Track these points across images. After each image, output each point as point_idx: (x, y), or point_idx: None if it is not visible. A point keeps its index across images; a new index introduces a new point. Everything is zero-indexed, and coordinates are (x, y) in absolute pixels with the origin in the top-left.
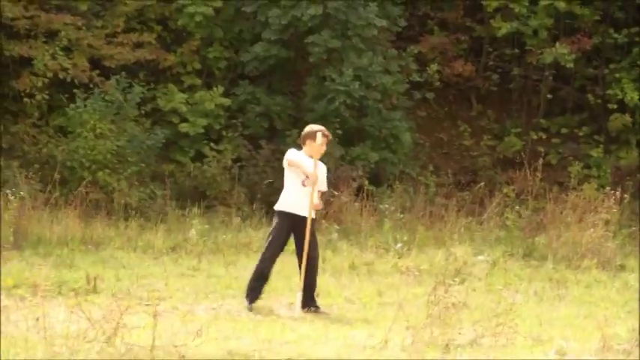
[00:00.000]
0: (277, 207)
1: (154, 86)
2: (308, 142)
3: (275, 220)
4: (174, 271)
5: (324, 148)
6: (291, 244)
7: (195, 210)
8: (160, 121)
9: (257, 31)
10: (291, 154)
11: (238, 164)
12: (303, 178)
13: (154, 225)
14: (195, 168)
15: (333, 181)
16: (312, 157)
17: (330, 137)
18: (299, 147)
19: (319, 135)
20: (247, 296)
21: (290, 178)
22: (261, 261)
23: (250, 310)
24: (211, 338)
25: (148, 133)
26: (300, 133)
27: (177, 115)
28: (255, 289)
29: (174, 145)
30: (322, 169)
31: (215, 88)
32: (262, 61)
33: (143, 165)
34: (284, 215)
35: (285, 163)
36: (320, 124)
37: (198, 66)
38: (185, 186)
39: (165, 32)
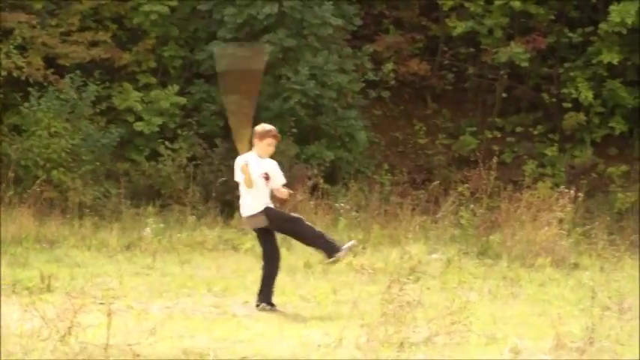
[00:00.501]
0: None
1: (109, 85)
2: (256, 141)
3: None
4: (129, 269)
5: (272, 149)
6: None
7: (150, 208)
8: (114, 119)
9: (212, 30)
10: (238, 164)
11: (193, 163)
12: (262, 179)
13: (109, 223)
14: (150, 167)
15: (288, 180)
16: (261, 156)
17: (279, 137)
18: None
19: (268, 136)
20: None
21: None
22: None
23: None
24: (166, 337)
25: (102, 132)
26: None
27: (133, 113)
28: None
29: (129, 144)
30: (272, 166)
31: (170, 87)
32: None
33: (98, 163)
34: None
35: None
36: (275, 123)
37: (153, 64)
38: (140, 184)
39: (121, 31)
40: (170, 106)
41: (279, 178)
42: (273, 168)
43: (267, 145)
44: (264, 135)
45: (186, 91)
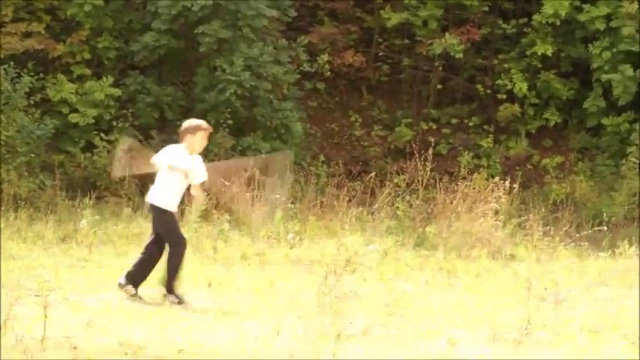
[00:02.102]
0: (168, 207)
1: (43, 76)
2: (188, 136)
3: (169, 218)
4: (65, 261)
5: (205, 143)
6: None
7: (86, 201)
8: (49, 111)
9: (147, 21)
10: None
11: (129, 155)
12: (182, 181)
13: (44, 216)
14: (85, 158)
15: (224, 172)
16: (192, 152)
17: (211, 130)
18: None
19: (200, 130)
20: (172, 291)
21: (170, 177)
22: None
23: (181, 303)
24: (103, 329)
25: (37, 124)
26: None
27: (67, 105)
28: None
29: (64, 136)
30: (197, 161)
31: (105, 78)
32: (152, 51)
33: (32, 155)
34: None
35: (162, 165)
36: (211, 115)
37: (87, 56)
38: (75, 176)
39: (55, 22)
40: (105, 97)
41: (201, 174)
42: (198, 163)
43: (201, 139)
44: (196, 129)
45: (121, 82)
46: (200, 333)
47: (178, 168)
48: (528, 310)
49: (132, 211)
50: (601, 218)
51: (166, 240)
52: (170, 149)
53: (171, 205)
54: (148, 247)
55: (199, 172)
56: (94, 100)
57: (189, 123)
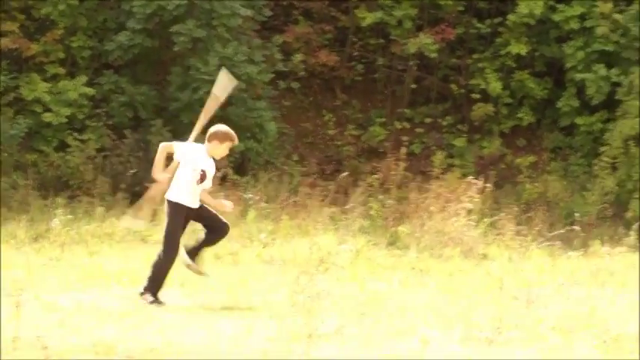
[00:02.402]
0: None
1: (16, 75)
2: (215, 142)
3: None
4: (37, 261)
5: (227, 152)
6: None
7: (59, 200)
8: (22, 110)
9: (121, 20)
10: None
11: (102, 154)
12: (197, 177)
13: (17, 215)
14: (58, 158)
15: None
16: (212, 156)
17: (236, 142)
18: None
19: (228, 139)
20: (153, 290)
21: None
22: (166, 253)
23: (158, 303)
24: (75, 329)
25: (10, 123)
26: (164, 122)
27: (41, 104)
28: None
29: (37, 135)
30: (213, 168)
31: (79, 78)
32: (126, 50)
33: (5, 154)
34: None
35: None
36: (185, 114)
37: (61, 55)
38: (48, 176)
39: (29, 21)
40: (79, 96)
41: (210, 182)
42: (213, 171)
43: (225, 148)
44: (225, 138)
45: (95, 81)
46: (172, 332)
47: (204, 173)
48: (501, 310)
49: (104, 210)
50: (573, 217)
51: (163, 241)
52: (195, 148)
53: (183, 198)
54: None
55: (210, 180)
56: (67, 100)
57: (219, 129)
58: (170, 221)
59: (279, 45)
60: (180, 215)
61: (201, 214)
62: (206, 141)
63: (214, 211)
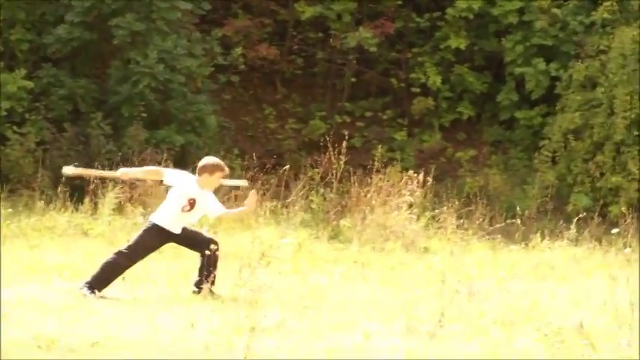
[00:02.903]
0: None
1: None
2: (205, 175)
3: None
4: None
5: (219, 183)
6: None
7: None
8: None
9: (60, 13)
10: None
11: (42, 147)
12: (184, 204)
13: None
14: None
15: (137, 164)
16: (204, 188)
17: (226, 171)
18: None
19: (218, 170)
20: (97, 287)
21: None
22: (125, 258)
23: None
24: (16, 322)
25: None
26: (104, 115)
27: None
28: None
29: None
30: (210, 197)
31: (17, 71)
32: (65, 43)
33: None
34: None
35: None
36: (125, 107)
37: (0, 48)
38: None
39: None
40: (17, 90)
41: (217, 207)
42: (212, 199)
43: (217, 180)
44: (214, 169)
45: (34, 74)
46: (114, 326)
47: (193, 201)
48: (442, 303)
49: (45, 204)
50: (514, 211)
51: (129, 242)
52: (187, 176)
53: (165, 222)
54: (201, 255)
55: (215, 205)
56: (6, 93)
57: (207, 161)
58: (145, 237)
59: (218, 38)
60: (157, 237)
61: (182, 237)
62: (197, 175)
63: (195, 230)
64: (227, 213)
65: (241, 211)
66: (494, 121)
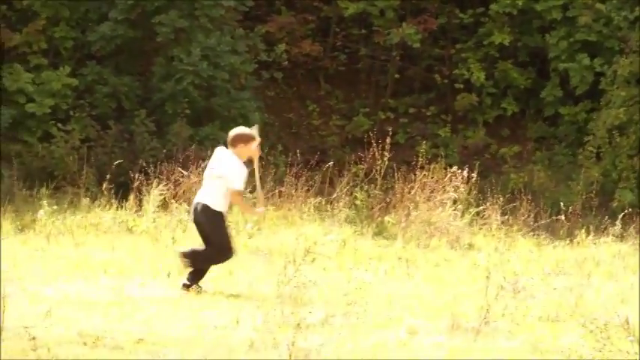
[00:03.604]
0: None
1: None
2: (241, 145)
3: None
4: (23, 252)
5: (254, 152)
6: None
7: (44, 190)
8: (6, 101)
9: (103, 11)
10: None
11: (86, 145)
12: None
13: (2, 206)
14: (42, 148)
15: (181, 161)
16: (240, 158)
17: (259, 140)
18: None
19: (252, 141)
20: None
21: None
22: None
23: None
24: (61, 319)
25: None
26: (148, 113)
27: (24, 95)
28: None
29: (21, 126)
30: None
31: (62, 68)
32: (109, 41)
33: None
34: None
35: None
36: (168, 104)
37: (44, 46)
38: (33, 166)
39: (10, 11)
40: (62, 87)
41: (237, 181)
42: (239, 169)
43: (253, 148)
44: (249, 138)
45: (78, 72)
46: (159, 323)
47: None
48: (487, 300)
49: (90, 201)
50: (558, 207)
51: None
52: (220, 152)
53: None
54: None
55: (237, 178)
56: (50, 90)
57: (241, 131)
58: (221, 229)
59: (262, 35)
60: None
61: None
62: (230, 146)
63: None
64: (242, 200)
65: (253, 211)
66: (539, 117)
